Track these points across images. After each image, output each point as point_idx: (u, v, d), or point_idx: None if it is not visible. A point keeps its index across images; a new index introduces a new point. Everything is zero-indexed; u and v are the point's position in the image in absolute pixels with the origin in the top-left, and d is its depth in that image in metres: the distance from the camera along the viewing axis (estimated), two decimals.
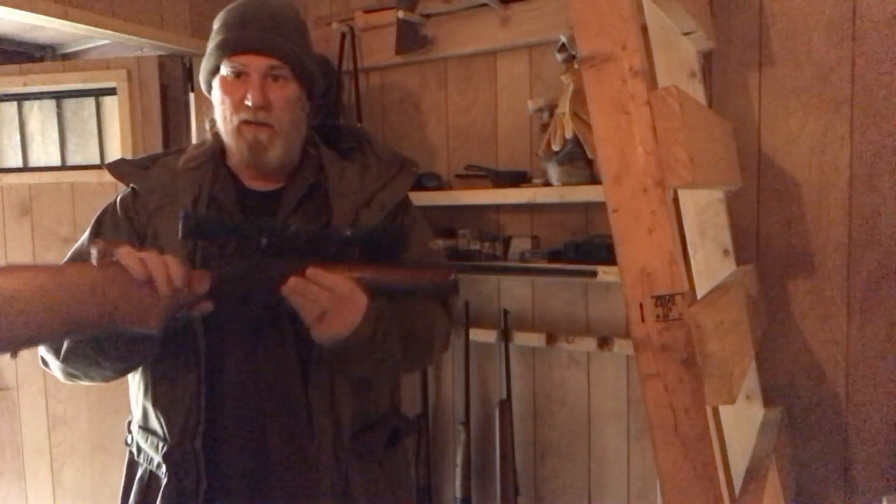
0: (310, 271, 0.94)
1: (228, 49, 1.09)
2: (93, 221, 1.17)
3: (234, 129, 1.10)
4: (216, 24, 1.14)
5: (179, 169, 1.16)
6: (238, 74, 1.09)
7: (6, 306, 0.79)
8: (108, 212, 1.17)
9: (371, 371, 1.09)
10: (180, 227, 0.95)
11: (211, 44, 1.13)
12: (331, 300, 0.94)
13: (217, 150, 1.18)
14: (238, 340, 1.08)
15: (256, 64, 1.08)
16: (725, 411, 1.50)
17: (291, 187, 1.15)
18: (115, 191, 1.23)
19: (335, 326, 0.96)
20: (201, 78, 1.17)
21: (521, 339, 1.89)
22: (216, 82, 1.12)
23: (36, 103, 2.47)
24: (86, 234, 1.17)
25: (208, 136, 1.20)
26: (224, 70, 1.10)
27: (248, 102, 1.07)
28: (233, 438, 1.07)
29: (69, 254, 1.16)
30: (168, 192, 1.13)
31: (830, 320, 1.54)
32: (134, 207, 1.14)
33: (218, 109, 1.13)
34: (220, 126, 1.13)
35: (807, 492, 1.57)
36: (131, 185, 1.16)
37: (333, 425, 1.08)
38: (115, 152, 2.37)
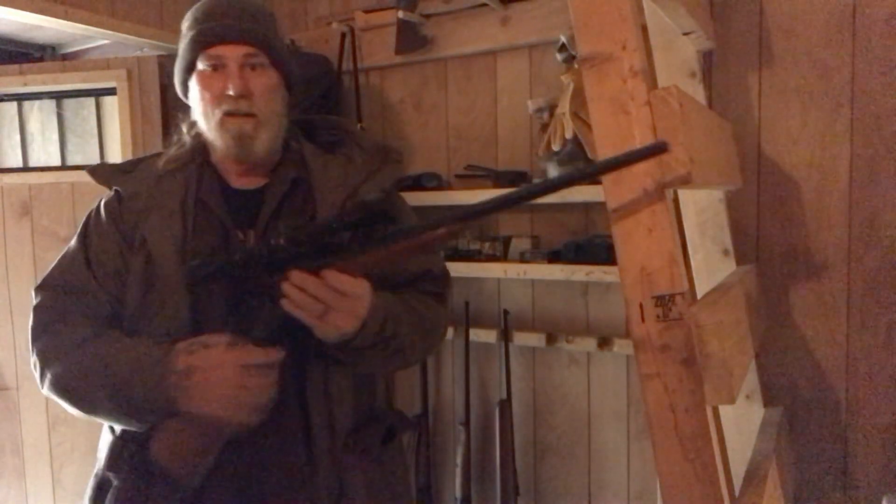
0: (325, 273, 0.92)
1: (202, 43, 1.07)
2: (79, 229, 1.15)
3: (217, 122, 1.08)
4: (185, 24, 1.11)
5: (161, 171, 1.14)
6: (215, 67, 1.07)
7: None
8: (93, 218, 1.15)
9: (381, 365, 1.08)
10: (185, 277, 1.01)
11: (182, 42, 1.10)
12: (334, 299, 0.93)
13: (199, 149, 1.16)
14: None
15: (233, 53, 1.06)
16: (725, 411, 1.50)
17: (273, 184, 1.13)
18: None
19: (340, 323, 0.94)
20: (177, 80, 1.14)
21: (521, 339, 1.89)
22: (193, 80, 1.10)
23: (36, 103, 2.47)
24: (73, 242, 1.15)
25: (186, 138, 1.18)
26: (201, 65, 1.08)
27: (230, 92, 1.05)
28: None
29: (57, 261, 1.14)
30: (152, 195, 1.11)
31: (830, 320, 1.54)
32: (119, 211, 1.12)
33: (198, 107, 1.10)
34: (202, 124, 1.11)
35: (807, 492, 1.58)
36: (115, 188, 1.15)
37: (329, 423, 1.07)
38: (115, 152, 2.37)
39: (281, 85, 1.13)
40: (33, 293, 1.11)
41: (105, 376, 0.99)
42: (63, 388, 1.02)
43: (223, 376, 0.94)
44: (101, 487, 1.08)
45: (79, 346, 1.03)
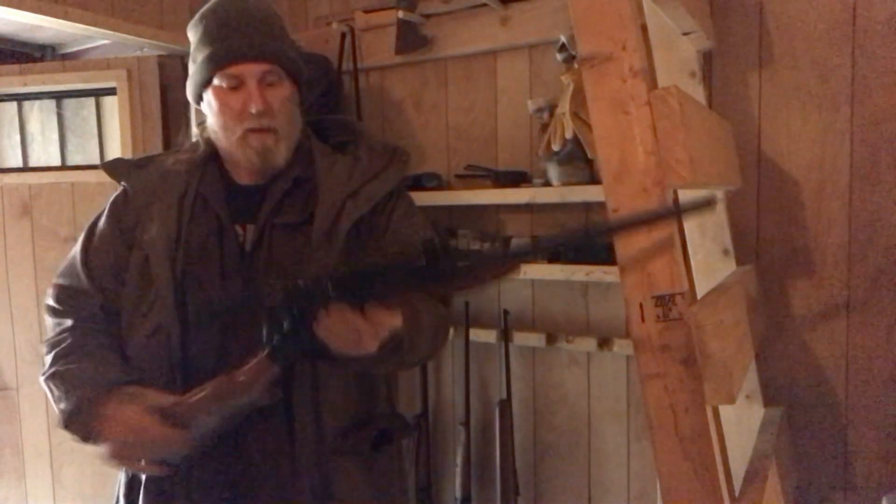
0: (369, 310, 0.90)
1: (220, 61, 1.07)
2: (85, 230, 1.18)
3: (240, 138, 1.09)
4: (197, 34, 1.12)
5: (168, 168, 1.16)
6: (234, 87, 1.08)
7: None
8: (99, 221, 1.18)
9: (379, 366, 1.07)
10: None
11: (198, 55, 1.11)
12: (369, 329, 0.91)
13: (210, 151, 1.18)
14: (214, 343, 1.07)
15: (251, 71, 1.07)
16: (725, 411, 1.49)
17: (277, 182, 1.14)
18: (115, 191, 1.23)
19: (366, 346, 0.92)
20: (190, 90, 1.15)
21: (521, 339, 1.88)
22: (210, 94, 1.11)
23: (36, 103, 2.47)
24: (78, 246, 1.17)
25: (200, 140, 1.20)
26: (218, 82, 1.09)
27: (253, 111, 1.06)
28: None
29: (65, 263, 1.17)
30: (156, 190, 1.13)
31: (830, 320, 1.54)
32: (124, 209, 1.15)
33: (216, 120, 1.11)
34: (220, 135, 1.12)
35: (807, 492, 1.58)
36: (122, 183, 1.17)
37: (315, 423, 1.06)
38: (115, 152, 2.37)
39: (296, 93, 1.15)
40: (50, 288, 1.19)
41: (66, 394, 1.06)
42: (46, 387, 1.11)
43: (116, 431, 1.00)
44: (130, 486, 1.13)
45: (65, 356, 1.09)
